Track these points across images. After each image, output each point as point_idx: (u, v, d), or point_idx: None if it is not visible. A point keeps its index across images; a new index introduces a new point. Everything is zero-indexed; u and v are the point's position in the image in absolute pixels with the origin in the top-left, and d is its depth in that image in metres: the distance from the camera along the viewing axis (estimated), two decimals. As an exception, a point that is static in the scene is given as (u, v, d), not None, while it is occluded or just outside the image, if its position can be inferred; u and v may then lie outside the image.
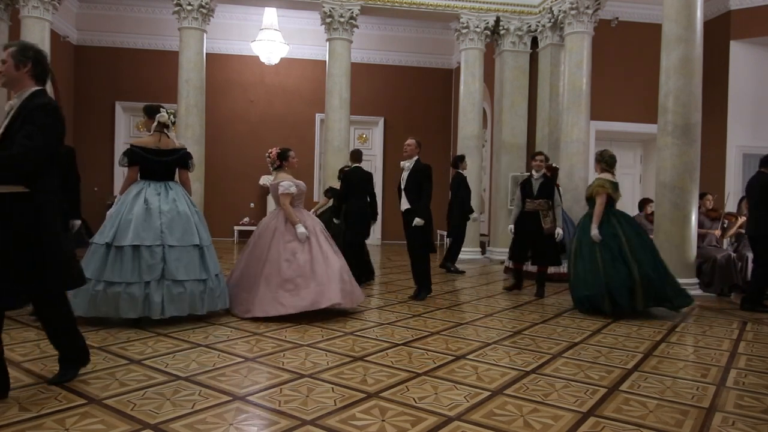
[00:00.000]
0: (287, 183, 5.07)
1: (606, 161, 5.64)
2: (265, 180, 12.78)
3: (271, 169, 5.34)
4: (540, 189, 6.37)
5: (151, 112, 4.63)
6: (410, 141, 6.00)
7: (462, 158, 8.50)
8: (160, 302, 4.27)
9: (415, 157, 5.97)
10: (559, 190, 6.70)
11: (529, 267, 6.85)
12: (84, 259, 4.28)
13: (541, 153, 6.66)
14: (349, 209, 6.64)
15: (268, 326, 4.50)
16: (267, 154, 5.33)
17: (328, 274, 4.86)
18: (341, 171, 7.44)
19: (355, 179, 6.63)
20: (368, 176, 6.82)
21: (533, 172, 6.49)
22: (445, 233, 12.92)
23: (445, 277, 7.95)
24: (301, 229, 4.95)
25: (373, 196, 6.83)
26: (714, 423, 2.69)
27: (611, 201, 5.52)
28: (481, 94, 10.30)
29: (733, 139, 9.58)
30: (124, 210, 4.36)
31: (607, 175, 5.59)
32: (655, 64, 7.33)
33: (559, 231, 6.31)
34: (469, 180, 10.25)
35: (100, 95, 12.54)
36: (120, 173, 12.82)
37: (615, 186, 5.57)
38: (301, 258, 4.88)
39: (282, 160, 5.24)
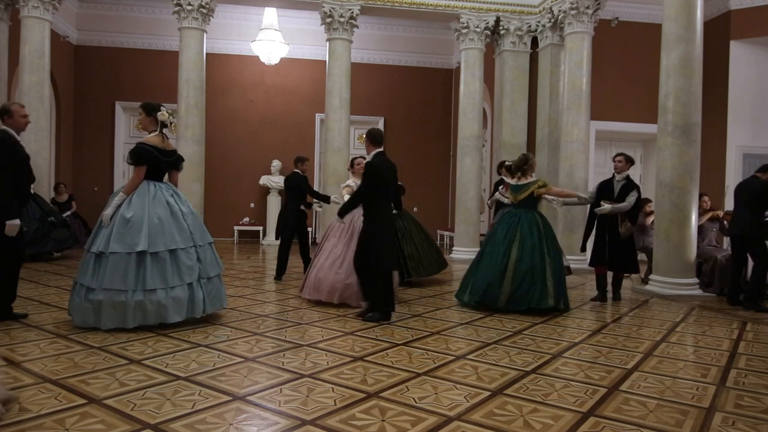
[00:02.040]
0: (350, 180, 6.26)
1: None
2: (265, 180, 12.77)
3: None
4: (621, 191, 6.16)
5: (150, 110, 4.55)
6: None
7: (501, 164, 7.80)
8: (202, 300, 4.39)
9: (373, 153, 5.11)
10: (638, 190, 6.22)
11: None
12: (104, 267, 4.06)
13: (620, 153, 6.37)
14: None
15: (268, 327, 4.51)
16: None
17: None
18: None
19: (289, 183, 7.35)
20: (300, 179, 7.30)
21: (615, 174, 6.29)
22: (446, 233, 12.96)
23: (444, 277, 7.95)
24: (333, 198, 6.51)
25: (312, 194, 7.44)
26: (714, 423, 2.70)
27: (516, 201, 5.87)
28: (481, 94, 10.29)
29: (733, 139, 9.57)
30: (146, 214, 4.21)
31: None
32: (655, 64, 7.32)
33: (606, 206, 6.05)
34: (468, 179, 10.28)
35: (100, 95, 12.53)
36: (120, 173, 12.82)
37: (512, 188, 5.94)
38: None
39: (350, 167, 6.45)
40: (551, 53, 9.89)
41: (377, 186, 4.87)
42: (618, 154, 6.39)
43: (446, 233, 12.94)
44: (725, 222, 7.33)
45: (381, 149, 5.11)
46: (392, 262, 4.93)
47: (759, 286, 5.95)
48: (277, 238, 7.57)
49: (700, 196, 7.16)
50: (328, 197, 7.44)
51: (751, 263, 6.24)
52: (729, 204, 8.56)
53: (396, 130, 13.72)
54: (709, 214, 7.20)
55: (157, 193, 4.37)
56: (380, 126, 13.78)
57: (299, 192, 7.22)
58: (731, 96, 9.55)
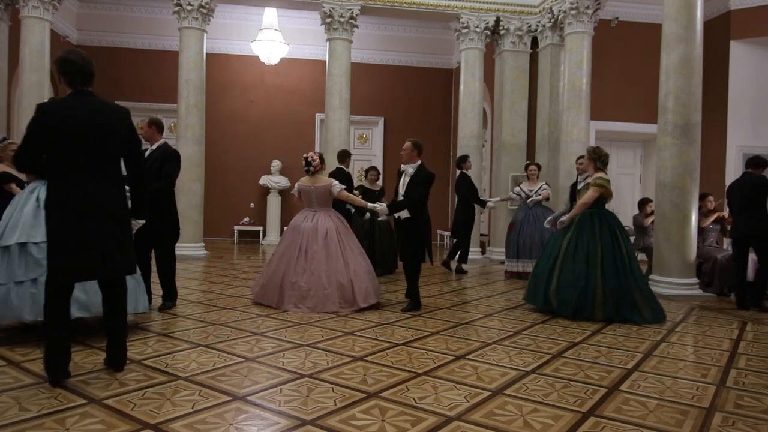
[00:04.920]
0: (338, 183, 5.64)
1: (602, 160, 5.41)
2: (265, 180, 12.78)
3: (309, 173, 5.58)
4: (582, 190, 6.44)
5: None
6: (406, 144, 5.43)
7: (464, 158, 8.47)
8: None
9: (418, 162, 5.39)
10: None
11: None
12: None
13: (582, 156, 6.71)
14: None
15: (268, 327, 4.51)
16: (311, 156, 5.58)
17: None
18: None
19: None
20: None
21: (578, 177, 6.62)
22: (446, 233, 12.96)
23: (444, 276, 7.95)
24: (370, 205, 5.71)
25: None
26: (714, 423, 2.69)
27: (603, 200, 5.35)
28: (481, 94, 10.29)
29: (733, 139, 9.58)
30: (15, 209, 4.02)
31: (604, 174, 5.40)
32: (655, 64, 7.32)
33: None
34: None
35: (100, 95, 12.50)
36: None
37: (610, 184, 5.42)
38: (362, 252, 5.57)
39: (323, 164, 5.69)
40: (551, 53, 9.90)
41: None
42: (580, 156, 6.92)
43: (446, 233, 12.94)
44: (727, 225, 7.33)
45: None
46: None
47: (763, 286, 5.97)
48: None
49: (705, 196, 7.15)
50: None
51: (751, 263, 6.23)
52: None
53: (396, 130, 13.72)
54: (714, 216, 7.16)
55: (36, 189, 4.08)
56: (380, 126, 13.78)
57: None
58: (731, 96, 9.55)
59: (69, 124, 3.08)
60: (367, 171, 8.52)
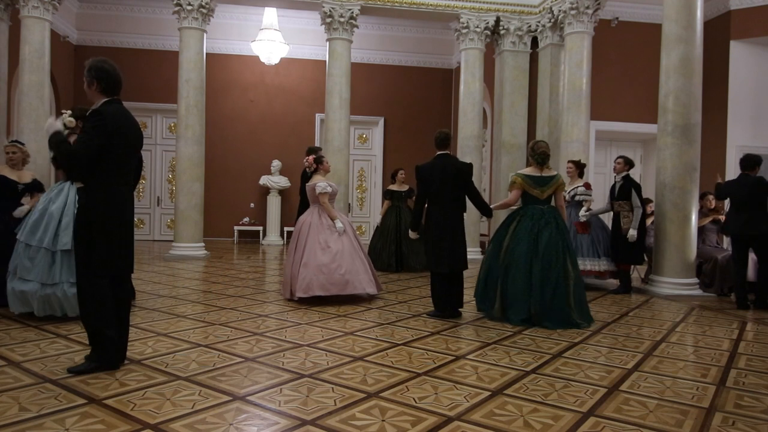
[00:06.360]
0: (323, 184, 5.83)
1: (535, 158, 5.07)
2: (265, 180, 12.77)
3: (309, 173, 6.15)
4: (619, 191, 6.80)
5: None
6: None
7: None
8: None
9: (436, 154, 5.40)
10: (637, 192, 6.67)
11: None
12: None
13: (621, 156, 7.00)
14: None
15: (268, 327, 4.51)
16: (305, 161, 6.16)
17: (356, 266, 5.69)
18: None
19: None
20: None
21: (615, 175, 7.00)
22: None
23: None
24: (339, 223, 5.75)
25: None
26: (714, 423, 2.70)
27: (528, 197, 5.04)
28: (481, 94, 10.28)
29: (733, 139, 9.58)
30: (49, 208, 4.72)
31: (528, 170, 5.12)
32: (655, 64, 7.32)
33: (631, 232, 6.53)
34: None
35: (100, 95, 12.51)
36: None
37: (534, 180, 5.00)
38: (333, 247, 5.64)
39: (318, 164, 6.02)
40: (551, 53, 9.89)
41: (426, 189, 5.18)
42: (618, 156, 7.02)
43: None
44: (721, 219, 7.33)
45: (444, 151, 5.26)
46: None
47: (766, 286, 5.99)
48: None
49: (705, 195, 7.16)
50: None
51: (751, 262, 6.24)
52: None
53: (396, 130, 13.72)
54: (712, 216, 7.17)
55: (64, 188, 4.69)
56: (380, 126, 13.79)
57: None
58: (731, 96, 9.55)
59: (129, 132, 3.30)
60: (393, 174, 8.68)
